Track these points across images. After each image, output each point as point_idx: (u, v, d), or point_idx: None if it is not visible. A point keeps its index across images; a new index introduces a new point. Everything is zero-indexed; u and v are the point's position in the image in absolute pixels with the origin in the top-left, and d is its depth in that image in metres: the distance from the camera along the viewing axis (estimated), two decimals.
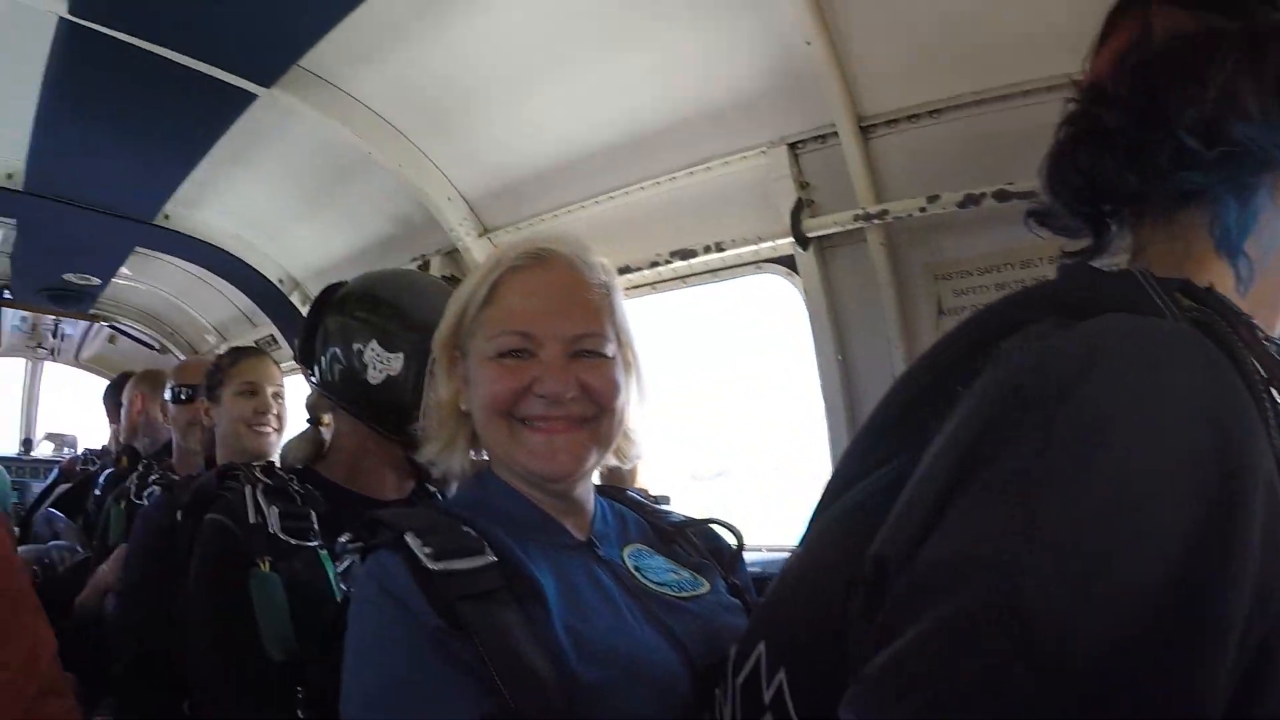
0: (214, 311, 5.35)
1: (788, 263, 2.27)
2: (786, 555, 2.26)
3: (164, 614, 1.67)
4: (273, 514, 1.51)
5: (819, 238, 2.13)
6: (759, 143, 2.18)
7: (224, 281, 4.36)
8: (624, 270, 2.50)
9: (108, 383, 4.89)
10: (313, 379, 1.73)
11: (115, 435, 4.56)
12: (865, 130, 2.00)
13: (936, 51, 1.85)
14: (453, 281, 2.05)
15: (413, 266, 3.18)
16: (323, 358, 1.67)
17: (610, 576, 1.13)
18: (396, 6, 2.11)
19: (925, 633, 0.52)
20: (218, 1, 2.06)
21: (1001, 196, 1.79)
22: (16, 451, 7.14)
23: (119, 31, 2.15)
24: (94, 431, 6.60)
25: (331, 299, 1.71)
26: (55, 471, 4.80)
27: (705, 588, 1.21)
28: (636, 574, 1.17)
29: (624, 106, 2.33)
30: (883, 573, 0.61)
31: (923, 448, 0.65)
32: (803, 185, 2.14)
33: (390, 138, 2.68)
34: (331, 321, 1.67)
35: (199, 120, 2.71)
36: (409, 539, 1.01)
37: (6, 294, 5.30)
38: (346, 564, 1.44)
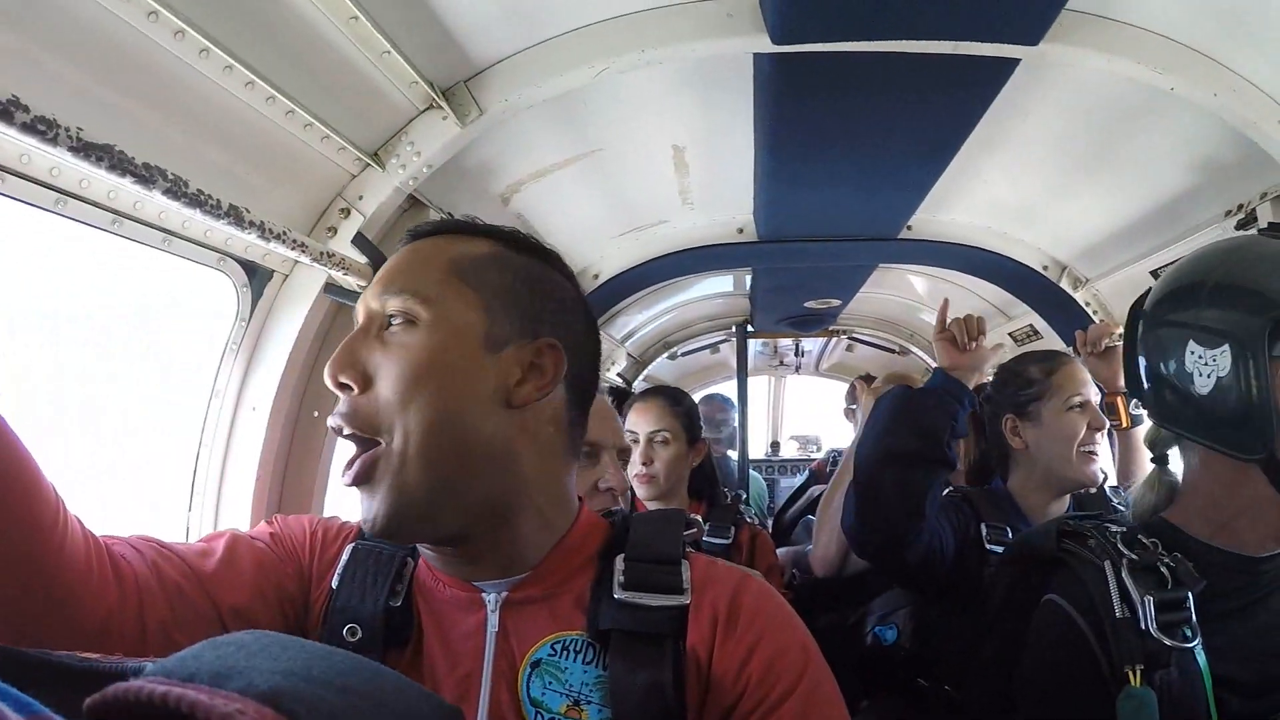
0: (960, 308, 5.08)
1: None
2: None
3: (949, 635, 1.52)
4: (1147, 605, 1.18)
5: None
6: None
7: (970, 277, 4.13)
8: None
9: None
10: (1148, 409, 1.41)
11: None
12: None
13: None
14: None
15: (1228, 223, 2.54)
16: (1147, 383, 1.38)
17: None
18: None
19: None
20: None
21: None
22: (766, 453, 7.99)
23: (828, 44, 1.93)
24: (835, 431, 7.01)
25: (1140, 309, 1.42)
26: (806, 472, 5.09)
27: None
28: None
29: None
30: None
31: None
32: None
33: (1195, 65, 2.09)
34: (1147, 338, 1.37)
35: (945, 112, 2.38)
36: None
37: (749, 328, 5.82)
38: None
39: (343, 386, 0.93)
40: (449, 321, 0.95)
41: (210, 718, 0.34)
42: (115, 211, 1.52)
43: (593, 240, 3.45)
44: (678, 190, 3.10)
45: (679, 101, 2.42)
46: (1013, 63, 2.04)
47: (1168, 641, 1.16)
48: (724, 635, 0.95)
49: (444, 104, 1.96)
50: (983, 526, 2.01)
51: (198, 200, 1.46)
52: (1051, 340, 4.05)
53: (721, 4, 1.92)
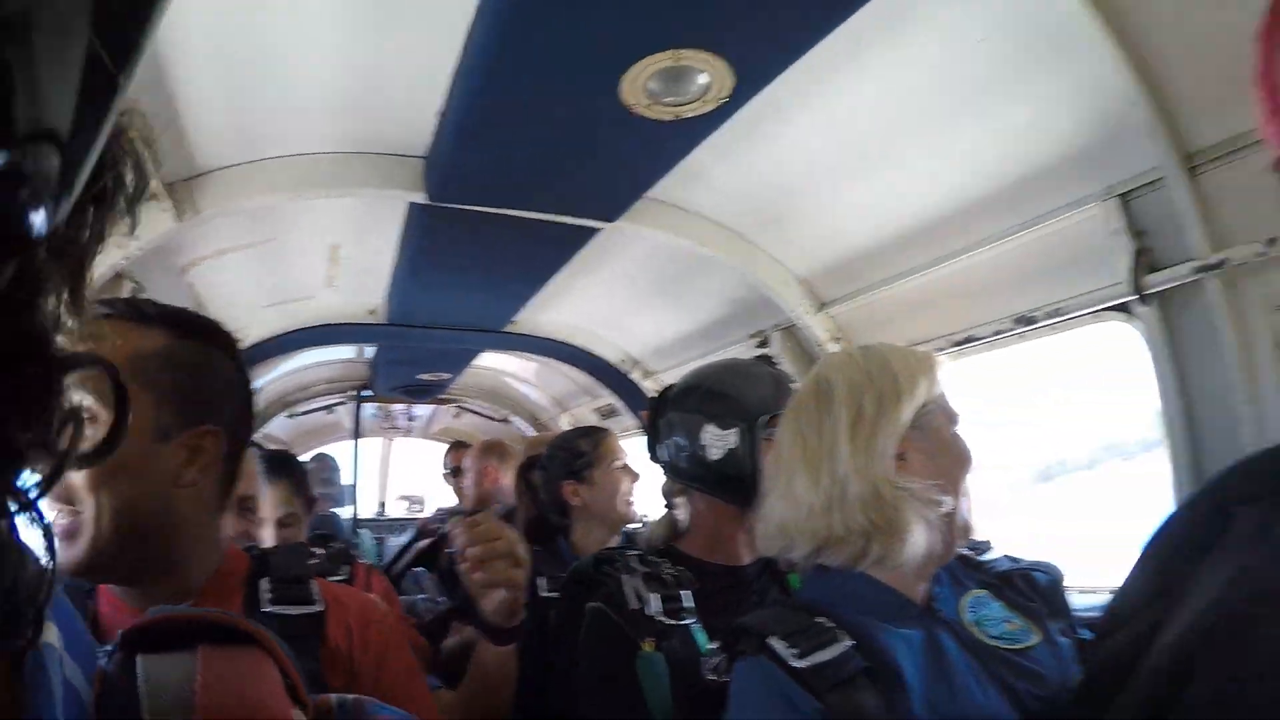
0: (554, 387, 5.98)
1: (1125, 309, 2.17)
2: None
3: (538, 671, 1.92)
4: (653, 600, 1.69)
5: (1159, 292, 2.05)
6: (1090, 194, 2.14)
7: (564, 364, 4.93)
8: (967, 340, 2.66)
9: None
10: (665, 468, 1.97)
11: (463, 497, 5.19)
12: (1193, 170, 1.87)
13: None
14: (767, 362, 2.27)
15: (751, 343, 3.58)
16: (669, 448, 1.92)
17: (951, 638, 1.24)
18: (726, 131, 2.27)
19: None
20: (562, 168, 2.41)
21: None
22: (375, 513, 8.11)
23: (466, 205, 2.62)
24: (440, 492, 7.40)
25: (667, 399, 1.97)
26: (413, 530, 5.37)
27: (1037, 638, 1.27)
28: (975, 628, 1.27)
29: (952, 179, 2.42)
30: None
31: None
32: (1137, 234, 2.06)
33: (730, 240, 3.05)
34: (672, 416, 1.91)
35: (545, 253, 3.17)
36: (774, 644, 1.17)
37: (366, 392, 6.27)
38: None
39: None
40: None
41: None
42: None
43: (245, 307, 3.75)
44: (326, 275, 3.59)
45: (342, 206, 2.92)
46: (595, 230, 2.84)
47: (669, 622, 1.64)
48: (350, 631, 1.24)
49: (167, 197, 2.35)
50: (541, 580, 2.34)
51: None
52: (625, 415, 4.96)
53: (391, 159, 2.52)
